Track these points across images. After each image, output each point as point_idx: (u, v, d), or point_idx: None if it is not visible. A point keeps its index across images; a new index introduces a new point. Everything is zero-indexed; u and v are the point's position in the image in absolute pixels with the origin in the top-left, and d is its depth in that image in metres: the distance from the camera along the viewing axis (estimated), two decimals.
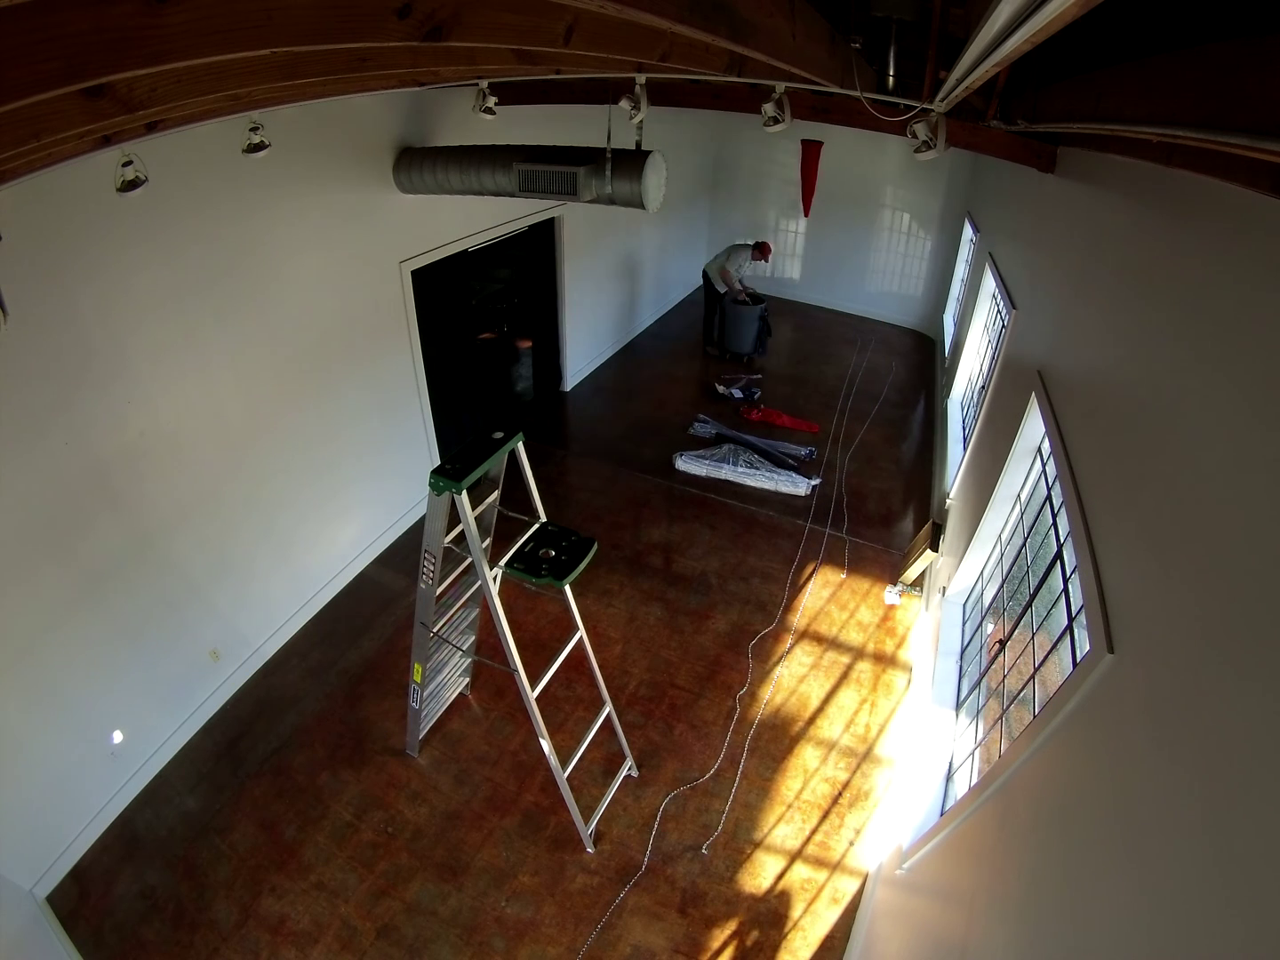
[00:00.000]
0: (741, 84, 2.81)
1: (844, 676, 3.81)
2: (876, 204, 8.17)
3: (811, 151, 6.67)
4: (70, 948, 2.59)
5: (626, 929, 2.71)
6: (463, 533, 2.44)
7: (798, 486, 5.30)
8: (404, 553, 4.58)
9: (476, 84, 3.05)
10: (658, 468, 5.56)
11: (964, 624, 3.40)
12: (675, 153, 6.77)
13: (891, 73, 1.96)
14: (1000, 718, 2.38)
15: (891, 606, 4.27)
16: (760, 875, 2.91)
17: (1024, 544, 2.71)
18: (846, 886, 2.88)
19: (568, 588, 2.59)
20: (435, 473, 2.30)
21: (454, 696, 3.54)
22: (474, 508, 2.38)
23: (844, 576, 4.52)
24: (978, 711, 2.75)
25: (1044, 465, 2.65)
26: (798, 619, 4.18)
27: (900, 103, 2.07)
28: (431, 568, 2.61)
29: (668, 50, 1.37)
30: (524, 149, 3.32)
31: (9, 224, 2.07)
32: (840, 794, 3.22)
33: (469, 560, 2.81)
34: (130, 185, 2.24)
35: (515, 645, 2.51)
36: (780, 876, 2.91)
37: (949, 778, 2.75)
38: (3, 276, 2.02)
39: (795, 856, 2.98)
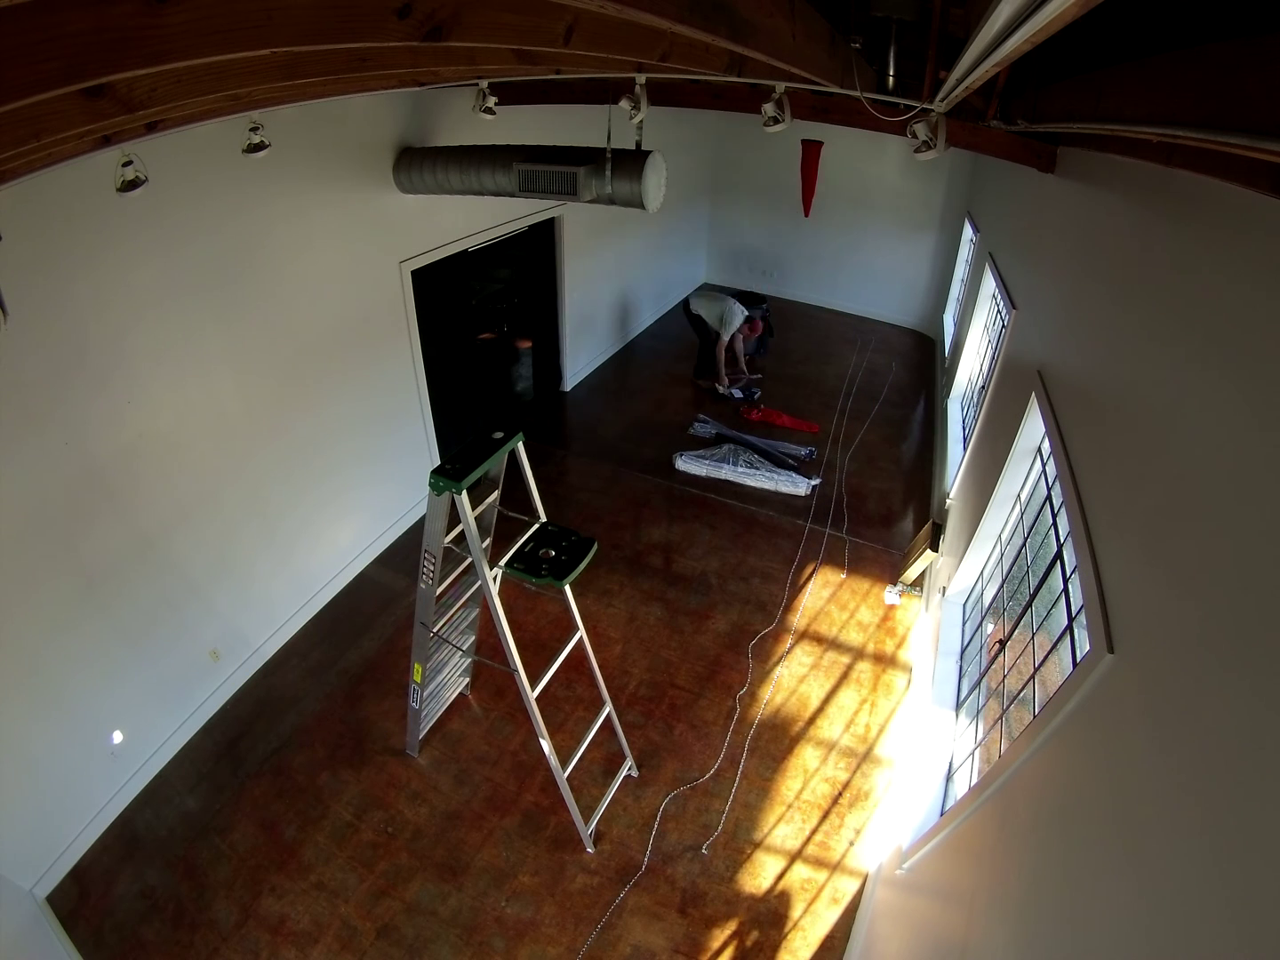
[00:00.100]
0: (741, 84, 2.81)
1: (844, 676, 3.81)
2: (876, 204, 8.17)
3: (811, 151, 6.67)
4: (70, 948, 2.59)
5: (626, 929, 2.71)
6: (463, 533, 2.44)
7: (798, 486, 5.30)
8: (404, 553, 4.58)
9: (476, 84, 3.05)
10: (658, 468, 5.56)
11: (964, 624, 3.40)
12: (675, 153, 6.77)
13: (891, 73, 1.95)
14: (1000, 718, 2.38)
15: (891, 606, 4.27)
16: (760, 875, 2.91)
17: (1024, 544, 2.71)
18: (846, 886, 2.88)
19: (568, 588, 2.59)
20: (435, 473, 2.30)
21: (454, 696, 3.54)
22: (474, 508, 2.38)
23: (844, 576, 4.52)
24: (977, 712, 2.75)
25: (1044, 465, 2.65)
26: (798, 619, 4.18)
27: (900, 103, 2.07)
28: (431, 568, 2.61)
29: (668, 50, 1.37)
30: (524, 149, 3.32)
31: (9, 224, 2.07)
32: (840, 794, 3.22)
33: (469, 560, 2.81)
34: (130, 185, 2.24)
35: (515, 645, 2.51)
36: (780, 876, 2.91)
37: (949, 778, 2.75)
38: (2, 276, 2.02)
39: (795, 856, 2.98)
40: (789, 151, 6.97)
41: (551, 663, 2.73)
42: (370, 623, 4.07)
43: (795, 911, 2.79)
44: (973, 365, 5.44)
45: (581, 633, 2.89)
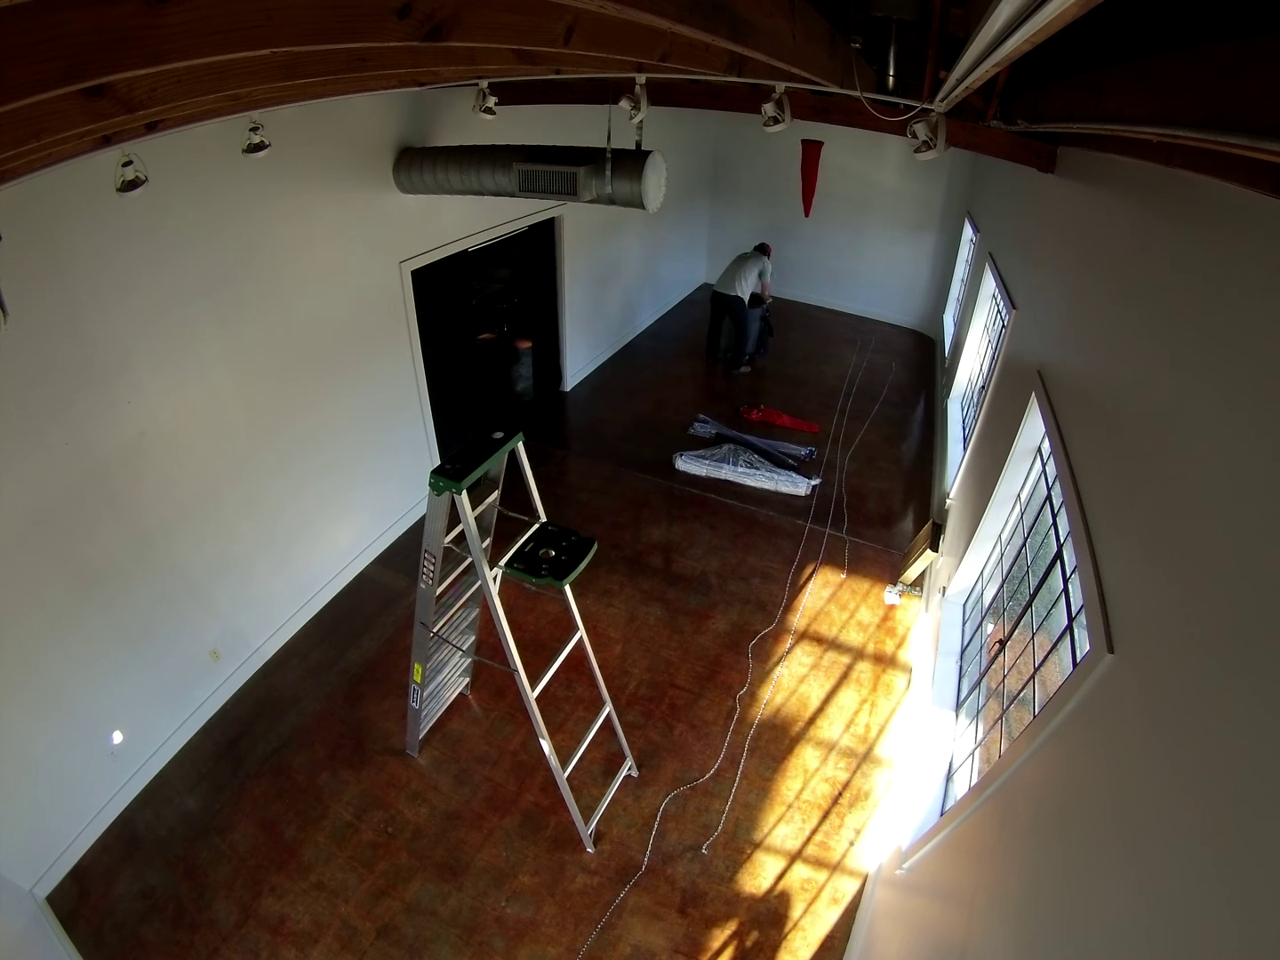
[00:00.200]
0: (741, 84, 2.81)
1: (844, 677, 3.81)
2: (876, 204, 8.17)
3: (812, 151, 6.66)
4: (70, 948, 2.59)
5: (626, 929, 2.71)
6: (463, 533, 2.44)
7: (798, 486, 5.30)
8: (404, 553, 4.58)
9: (476, 84, 3.05)
10: (658, 468, 5.56)
11: (964, 624, 3.40)
12: (675, 153, 6.77)
13: (891, 73, 1.95)
14: (1000, 718, 2.38)
15: (891, 606, 4.27)
16: (760, 875, 2.91)
17: (1024, 544, 2.71)
18: (846, 887, 2.88)
19: (568, 588, 2.59)
20: (435, 473, 2.30)
21: (454, 696, 3.54)
22: (474, 508, 2.38)
23: (844, 576, 4.52)
24: (977, 712, 2.75)
25: (1044, 465, 2.65)
26: (798, 619, 4.18)
27: (900, 103, 2.07)
28: (431, 568, 2.61)
29: (668, 50, 1.37)
30: (524, 149, 3.32)
31: (9, 224, 2.07)
32: (840, 794, 3.22)
33: (469, 560, 2.81)
34: (130, 185, 2.24)
35: (515, 645, 2.51)
36: (780, 877, 2.91)
37: (949, 778, 2.75)
38: (2, 276, 2.02)
39: (795, 857, 2.98)
40: (789, 151, 6.97)
41: (551, 663, 2.73)
42: (370, 623, 4.07)
43: (795, 911, 2.79)
44: (973, 365, 5.44)
45: (581, 633, 2.89)
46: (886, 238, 8.33)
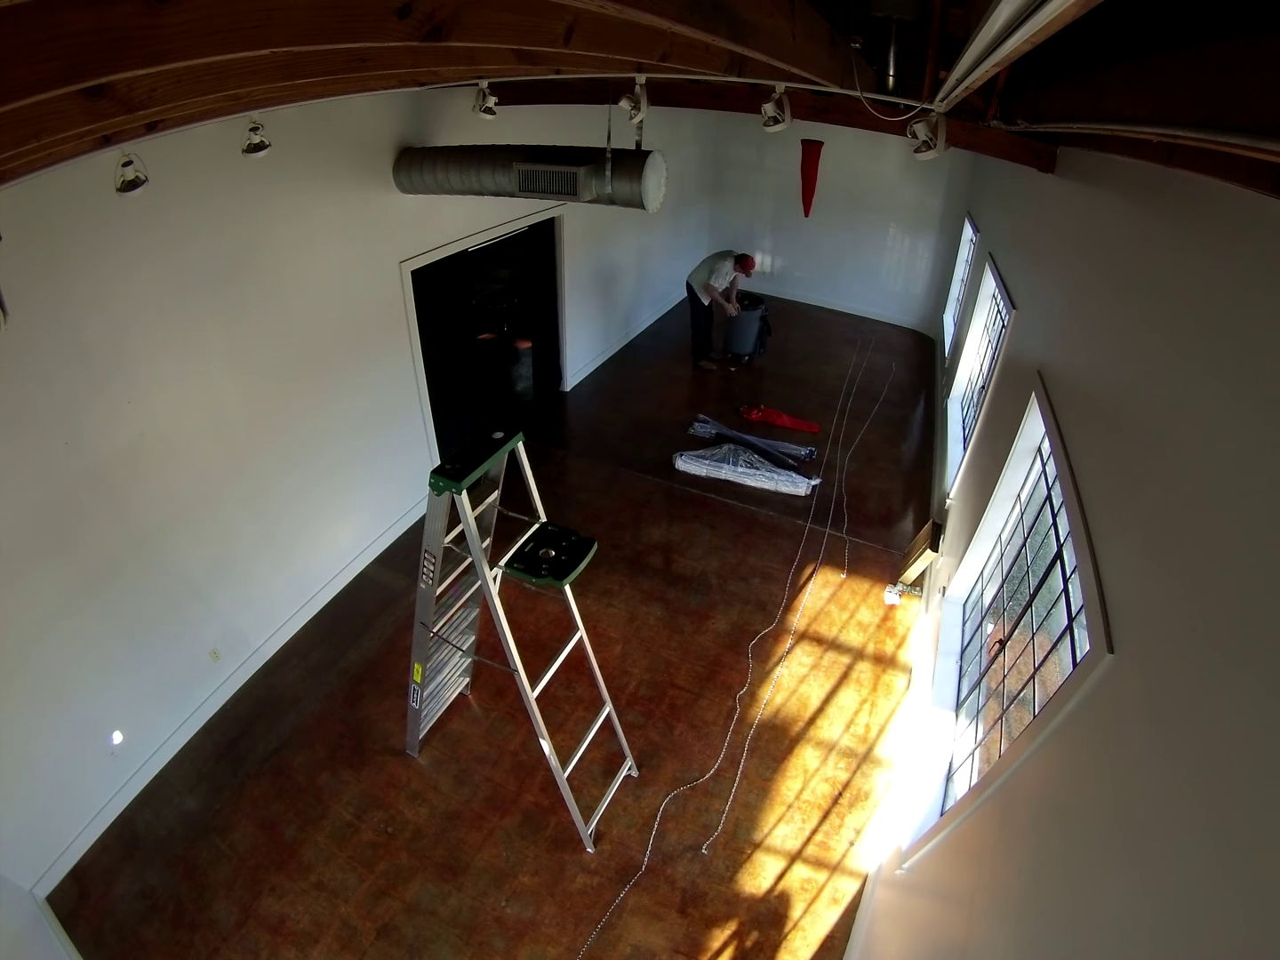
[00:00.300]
0: (741, 84, 2.81)
1: (844, 677, 3.81)
2: (876, 204, 8.17)
3: (811, 151, 6.67)
4: (70, 948, 2.59)
5: (626, 929, 2.71)
6: (463, 533, 2.44)
7: (798, 486, 5.30)
8: (404, 553, 4.58)
9: (476, 84, 3.05)
10: (658, 468, 5.56)
11: (964, 624, 3.40)
12: (675, 153, 6.78)
13: (891, 73, 1.96)
14: (1000, 718, 2.38)
15: (891, 607, 4.27)
16: (760, 875, 2.91)
17: (1024, 544, 2.71)
18: (846, 887, 2.88)
19: (568, 588, 2.59)
20: (435, 473, 2.30)
21: (454, 696, 3.54)
22: (474, 508, 2.38)
23: (844, 577, 4.52)
24: (977, 712, 2.75)
25: (1044, 465, 2.65)
26: (798, 619, 4.18)
27: (900, 103, 2.07)
28: (431, 568, 2.61)
29: (668, 50, 1.37)
30: (524, 149, 3.32)
31: (9, 224, 2.07)
32: (840, 794, 3.22)
33: (469, 560, 2.81)
34: (130, 185, 2.24)
35: (515, 645, 2.51)
36: (780, 877, 2.91)
37: (949, 778, 2.75)
38: (2, 276, 2.02)
39: (795, 857, 2.98)
40: (789, 151, 6.98)
41: (551, 663, 2.73)
42: (370, 623, 4.07)
43: (795, 912, 2.79)
44: (973, 365, 5.44)
45: (581, 633, 2.89)
46: (886, 237, 8.33)
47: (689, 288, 7.01)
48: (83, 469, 2.67)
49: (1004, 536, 3.07)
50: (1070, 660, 1.87)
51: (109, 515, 2.82)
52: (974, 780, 2.40)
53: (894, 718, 3.57)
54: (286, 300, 3.41)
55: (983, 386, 4.51)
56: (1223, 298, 1.35)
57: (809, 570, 4.58)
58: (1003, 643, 2.62)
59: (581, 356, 6.83)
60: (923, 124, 2.19)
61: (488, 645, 3.68)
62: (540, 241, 5.75)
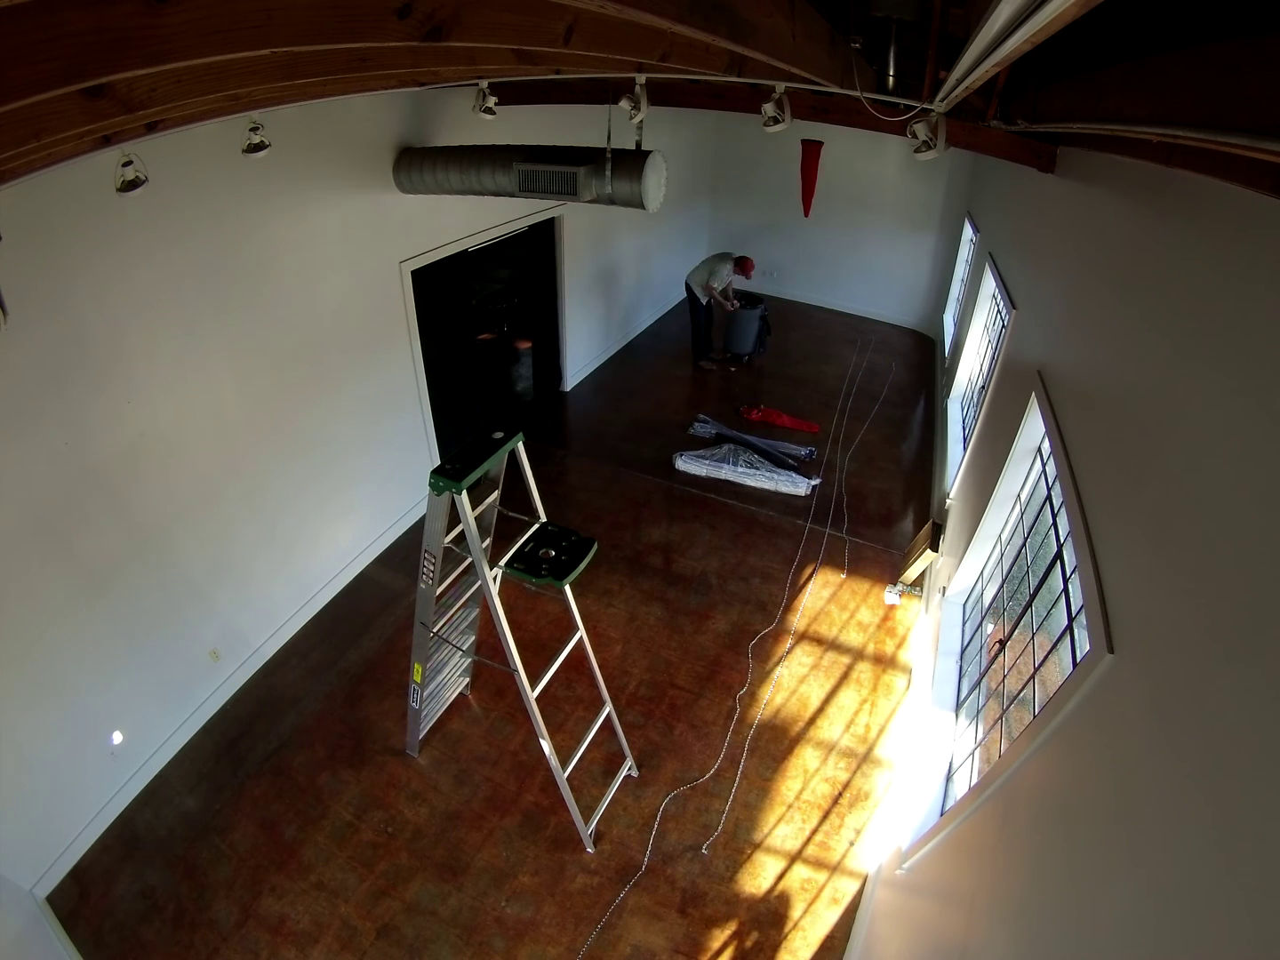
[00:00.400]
0: (741, 84, 2.81)
1: (844, 677, 3.81)
2: (876, 204, 8.17)
3: (811, 151, 6.67)
4: (70, 948, 2.59)
5: (626, 929, 2.71)
6: (463, 533, 2.44)
7: (798, 486, 5.30)
8: (404, 553, 4.58)
9: (476, 84, 3.05)
10: (658, 468, 5.56)
11: (964, 624, 3.40)
12: (675, 153, 6.77)
13: (891, 73, 1.96)
14: (1000, 718, 2.38)
15: (891, 607, 4.27)
16: (760, 875, 2.91)
17: (1024, 544, 2.71)
18: (846, 887, 2.88)
19: (568, 588, 2.59)
20: (435, 473, 2.30)
21: (454, 696, 3.54)
22: (474, 508, 2.38)
23: (844, 577, 4.52)
24: (977, 712, 2.75)
25: (1044, 465, 2.65)
26: (798, 619, 4.18)
27: (900, 103, 2.07)
28: (431, 568, 2.61)
29: (668, 50, 1.37)
30: (524, 149, 3.32)
31: (9, 224, 2.07)
32: (840, 794, 3.22)
33: (469, 560, 2.81)
34: (130, 185, 2.24)
35: (515, 645, 2.51)
36: (780, 877, 2.91)
37: (949, 778, 2.75)
38: (2, 276, 2.02)
39: (795, 857, 2.98)
40: (789, 151, 6.97)
41: (551, 663, 2.73)
42: (370, 623, 4.07)
43: (795, 912, 2.79)
44: (973, 365, 5.44)
45: (581, 633, 2.89)
46: (886, 237, 8.32)
47: (688, 288, 7.02)
48: (83, 468, 2.67)
49: (1004, 536, 3.07)
50: (1070, 660, 1.87)
51: (109, 515, 2.82)
52: (974, 780, 2.40)
53: (894, 718, 3.57)
54: (286, 300, 3.41)
55: (983, 386, 4.51)
56: (1223, 298, 1.35)
57: (809, 570, 4.58)
58: (1003, 643, 2.62)
59: (581, 356, 6.83)
60: (923, 124, 2.19)
61: (488, 645, 3.68)
62: (540, 241, 5.75)
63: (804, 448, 5.78)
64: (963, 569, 3.37)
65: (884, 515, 5.15)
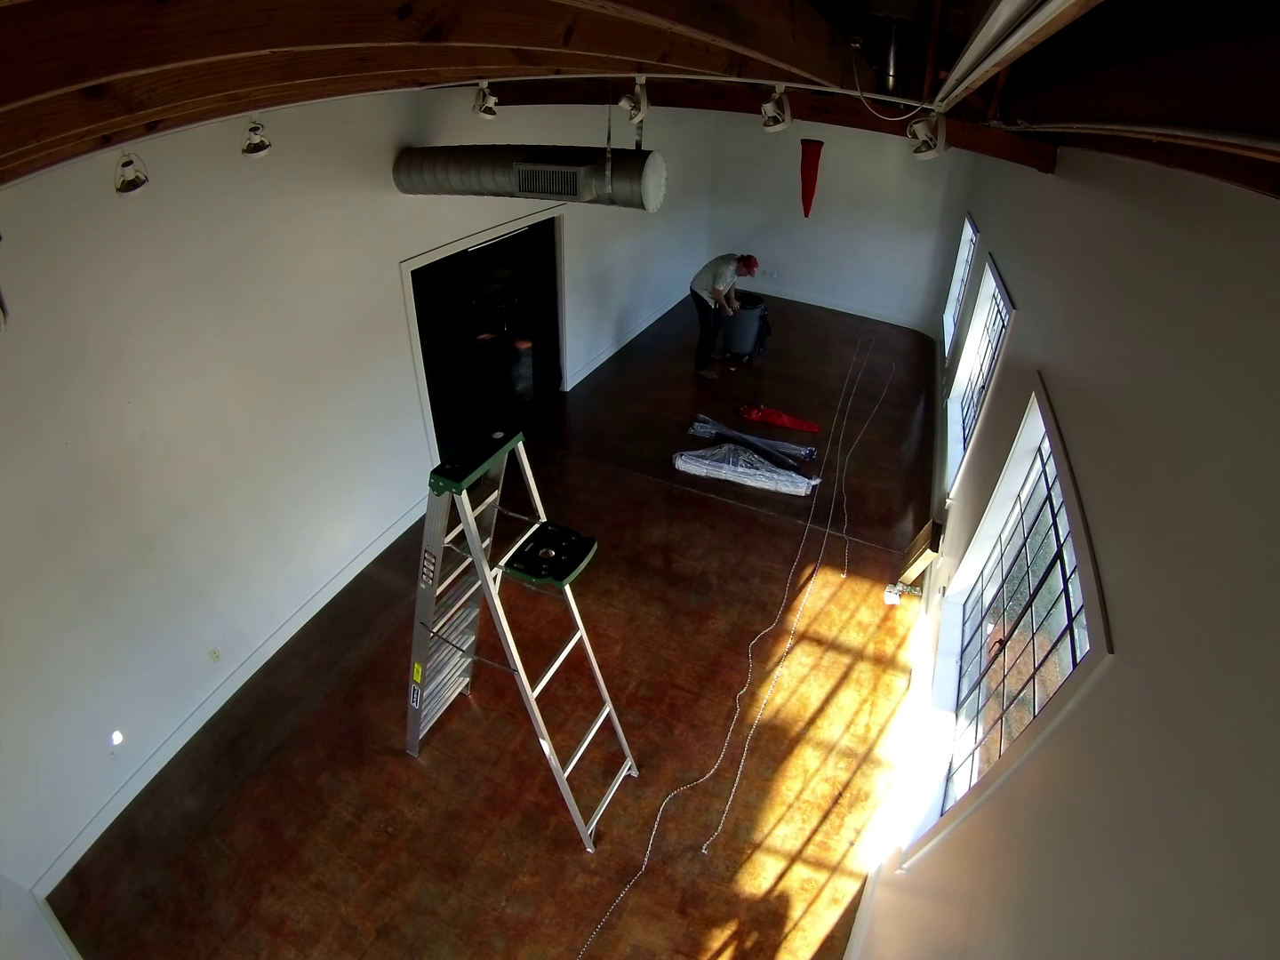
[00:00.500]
0: (741, 84, 2.81)
1: (844, 677, 3.81)
2: (876, 204, 8.17)
3: (811, 151, 6.66)
4: (70, 948, 2.59)
5: (626, 929, 2.71)
6: (463, 533, 2.44)
7: (798, 486, 5.30)
8: (404, 553, 4.58)
9: (476, 84, 3.05)
10: (658, 468, 5.56)
11: (964, 624, 3.40)
12: (675, 153, 6.77)
13: (891, 73, 1.95)
14: (1000, 718, 2.38)
15: (891, 607, 4.27)
16: (760, 875, 2.91)
17: (1024, 544, 2.71)
18: (846, 887, 2.88)
19: (568, 588, 2.59)
20: (435, 473, 2.30)
21: (454, 696, 3.54)
22: (474, 508, 2.38)
23: (844, 577, 4.52)
24: (977, 712, 2.75)
25: (1044, 465, 2.65)
26: (798, 619, 4.18)
27: (900, 103, 2.07)
28: (431, 568, 2.61)
29: (668, 50, 1.37)
30: (524, 149, 3.32)
31: (9, 224, 2.07)
32: (840, 794, 3.22)
33: (469, 560, 2.80)
34: (130, 185, 2.24)
35: (515, 645, 2.51)
36: (780, 877, 2.91)
37: (949, 778, 2.75)
38: (2, 276, 2.02)
39: (795, 857, 2.98)
40: (789, 151, 6.97)
41: (551, 663, 2.73)
42: (370, 623, 4.07)
43: (795, 912, 2.79)
44: (973, 365, 5.44)
45: (581, 633, 2.89)
46: (886, 237, 8.32)
47: (694, 293, 6.96)
48: (83, 468, 2.67)
49: (1004, 536, 3.07)
50: (1070, 660, 1.87)
51: (109, 515, 2.82)
52: (974, 780, 2.40)
53: (894, 718, 3.57)
54: (286, 300, 3.41)
55: (983, 386, 4.51)
56: (1223, 298, 1.35)
57: (809, 570, 4.58)
58: (1003, 643, 2.62)
59: (581, 356, 6.83)
60: (923, 124, 2.19)
61: (488, 645, 3.68)
62: (540, 242, 5.75)
63: (804, 448, 5.78)
64: (963, 569, 3.37)
65: (884, 515, 5.15)
